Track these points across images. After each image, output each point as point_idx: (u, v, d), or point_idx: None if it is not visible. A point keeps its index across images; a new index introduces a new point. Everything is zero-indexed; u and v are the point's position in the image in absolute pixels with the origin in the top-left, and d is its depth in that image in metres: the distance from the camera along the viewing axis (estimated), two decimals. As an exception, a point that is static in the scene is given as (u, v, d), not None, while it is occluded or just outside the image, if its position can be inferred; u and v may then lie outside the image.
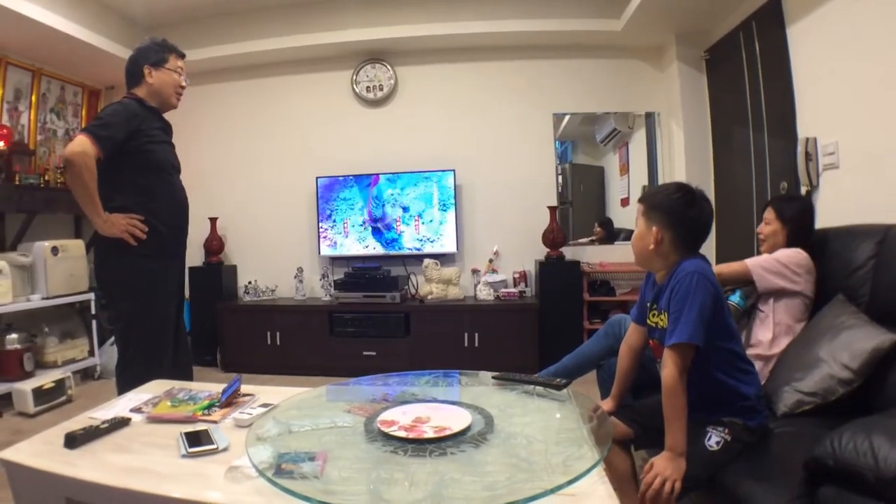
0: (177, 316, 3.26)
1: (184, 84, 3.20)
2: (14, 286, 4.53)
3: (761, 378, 2.45)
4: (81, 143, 2.74)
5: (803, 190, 3.60)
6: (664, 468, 1.93)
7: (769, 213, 2.93)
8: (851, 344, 2.28)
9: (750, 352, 2.60)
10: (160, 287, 3.09)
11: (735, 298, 2.77)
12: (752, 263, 2.74)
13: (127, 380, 2.91)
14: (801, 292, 2.69)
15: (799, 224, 2.86)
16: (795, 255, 2.71)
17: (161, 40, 3.15)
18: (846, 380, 2.24)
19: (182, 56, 3.21)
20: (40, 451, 1.87)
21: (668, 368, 1.96)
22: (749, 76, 4.41)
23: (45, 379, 4.40)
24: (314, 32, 5.57)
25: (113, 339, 5.28)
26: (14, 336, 4.53)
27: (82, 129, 2.84)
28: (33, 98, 5.29)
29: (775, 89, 4.03)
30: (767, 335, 2.71)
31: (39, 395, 4.30)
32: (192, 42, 5.69)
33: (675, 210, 2.10)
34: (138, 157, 2.96)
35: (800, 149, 3.54)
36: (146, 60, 3.06)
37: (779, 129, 4.02)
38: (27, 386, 4.27)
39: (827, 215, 3.23)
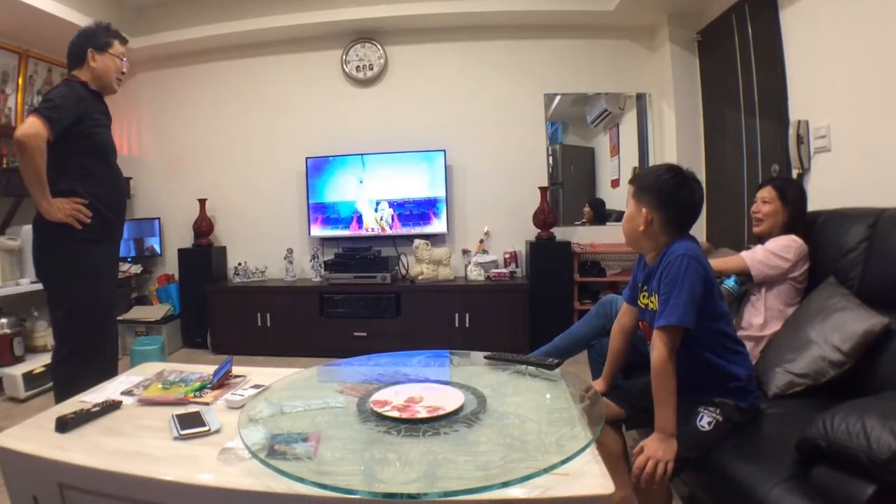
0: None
1: (124, 70, 3.15)
2: (2, 270, 4.51)
3: (752, 359, 2.45)
4: (34, 125, 2.69)
5: (794, 173, 3.61)
6: (655, 450, 1.93)
7: (768, 193, 2.91)
8: (843, 326, 2.30)
9: (740, 334, 2.59)
10: (106, 272, 3.08)
11: (730, 283, 2.76)
12: (749, 259, 2.74)
13: (68, 370, 2.89)
14: (795, 279, 2.70)
15: (799, 207, 2.87)
16: (790, 244, 2.71)
17: (106, 24, 3.09)
18: (837, 362, 2.26)
19: (125, 42, 3.15)
20: (31, 435, 1.86)
21: (658, 350, 1.97)
22: (741, 58, 4.40)
23: (35, 363, 4.39)
24: (303, 11, 5.51)
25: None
26: (3, 321, 4.48)
27: (33, 111, 2.79)
28: (20, 81, 5.20)
29: (767, 72, 4.02)
30: (759, 319, 2.72)
31: (30, 379, 4.30)
32: (179, 22, 5.69)
33: (666, 191, 2.09)
34: (84, 141, 2.92)
35: (791, 132, 3.55)
36: (90, 43, 3.00)
37: (770, 111, 4.01)
38: (17, 371, 4.26)
39: (818, 198, 3.23)
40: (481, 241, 5.73)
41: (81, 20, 4.90)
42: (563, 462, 1.45)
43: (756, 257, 2.73)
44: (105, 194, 3.00)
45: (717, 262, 2.75)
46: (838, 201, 2.92)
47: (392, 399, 1.90)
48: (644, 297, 2.21)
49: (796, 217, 2.85)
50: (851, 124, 3.19)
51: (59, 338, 3.01)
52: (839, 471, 1.58)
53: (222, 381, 2.30)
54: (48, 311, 3.11)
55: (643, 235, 2.14)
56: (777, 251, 2.70)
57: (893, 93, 2.87)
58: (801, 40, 3.62)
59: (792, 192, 2.88)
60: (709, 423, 2.03)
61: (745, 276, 2.76)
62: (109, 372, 2.90)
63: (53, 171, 2.82)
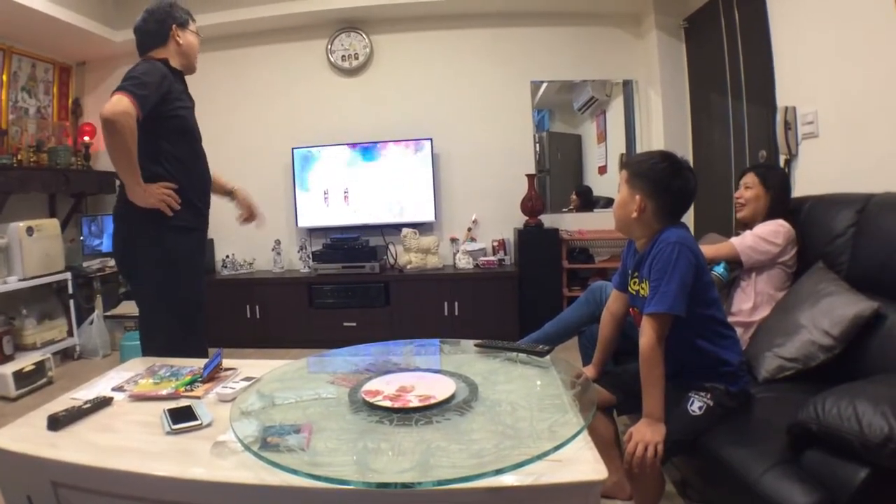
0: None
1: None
2: (-11, 268, 4.45)
3: (742, 344, 2.46)
4: (122, 102, 2.46)
5: (782, 159, 3.62)
6: (643, 434, 1.96)
7: (751, 179, 2.93)
8: (832, 311, 2.31)
9: (730, 320, 2.59)
10: (196, 263, 2.93)
11: (719, 269, 2.78)
12: (739, 245, 2.75)
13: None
14: (784, 263, 2.72)
15: (781, 193, 2.89)
16: (779, 229, 2.72)
17: (176, 2, 2.92)
18: (827, 346, 2.27)
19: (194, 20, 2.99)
20: (23, 434, 1.83)
21: (647, 336, 1.99)
22: (728, 45, 4.40)
23: (25, 361, 4.35)
24: (288, 1, 5.46)
25: (91, 318, 5.23)
26: (-9, 319, 4.47)
27: (117, 88, 2.52)
28: (4, 77, 5.16)
29: (754, 58, 4.03)
30: (748, 304, 2.74)
31: (20, 378, 4.25)
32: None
33: (661, 180, 2.09)
34: (170, 123, 2.74)
35: (779, 118, 3.55)
36: (174, 20, 2.84)
37: (758, 97, 4.02)
38: (7, 369, 4.21)
39: (806, 184, 3.25)
40: (469, 229, 5.74)
41: (65, 15, 4.86)
42: (556, 448, 1.45)
43: (745, 243, 2.74)
44: (192, 180, 2.86)
45: (708, 249, 2.76)
46: (826, 186, 2.93)
47: (383, 389, 1.89)
48: (635, 283, 2.22)
49: (778, 203, 2.86)
50: (838, 110, 3.19)
51: (146, 333, 2.90)
52: (831, 454, 1.59)
53: (213, 375, 2.29)
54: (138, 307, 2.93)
55: (635, 222, 2.15)
56: (766, 236, 2.71)
57: (878, 79, 2.87)
58: (788, 26, 3.61)
59: (774, 179, 2.90)
60: (699, 408, 2.05)
61: (734, 262, 2.78)
62: None
63: (141, 155, 2.60)
